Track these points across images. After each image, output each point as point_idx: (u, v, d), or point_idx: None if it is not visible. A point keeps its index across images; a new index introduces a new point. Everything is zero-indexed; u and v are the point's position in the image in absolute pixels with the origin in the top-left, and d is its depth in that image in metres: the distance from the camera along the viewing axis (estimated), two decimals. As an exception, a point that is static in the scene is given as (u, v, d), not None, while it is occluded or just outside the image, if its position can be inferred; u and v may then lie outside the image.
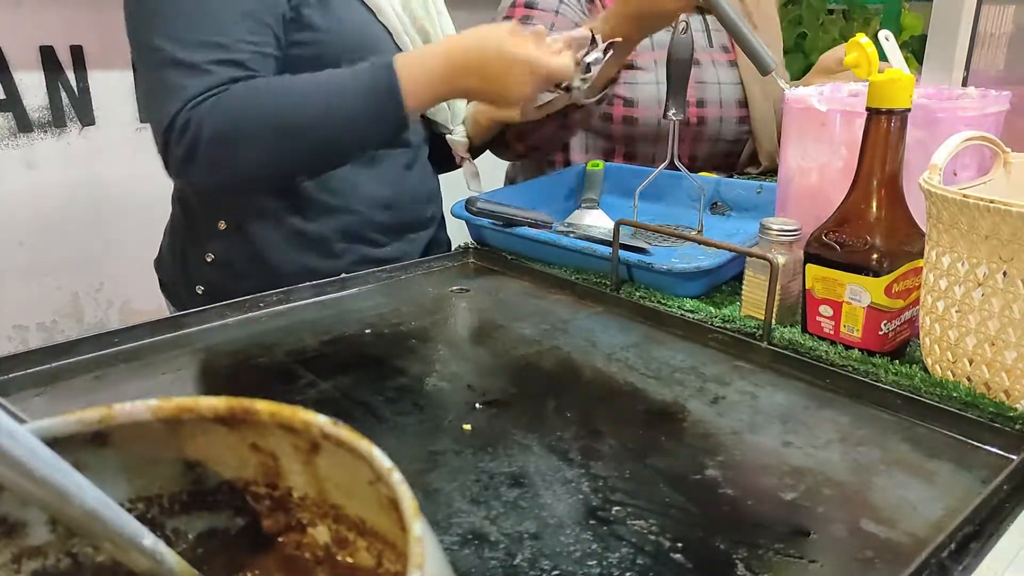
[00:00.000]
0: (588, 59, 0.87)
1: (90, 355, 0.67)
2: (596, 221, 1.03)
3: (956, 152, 0.60)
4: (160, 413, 0.26)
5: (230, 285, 0.87)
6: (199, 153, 0.78)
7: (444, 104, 1.03)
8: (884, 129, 0.61)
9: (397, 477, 0.23)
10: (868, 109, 0.61)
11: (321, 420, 0.25)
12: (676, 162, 0.95)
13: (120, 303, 1.80)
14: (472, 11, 1.34)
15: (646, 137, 1.26)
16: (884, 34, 0.96)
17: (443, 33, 1.01)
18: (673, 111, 0.91)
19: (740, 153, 1.36)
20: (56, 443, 0.23)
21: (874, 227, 0.62)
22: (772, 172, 1.40)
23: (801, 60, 2.45)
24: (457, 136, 1.06)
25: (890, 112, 0.60)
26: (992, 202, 0.51)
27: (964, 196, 0.53)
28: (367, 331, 0.74)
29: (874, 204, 0.62)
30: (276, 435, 0.26)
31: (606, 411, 0.60)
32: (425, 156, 1.05)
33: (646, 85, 1.24)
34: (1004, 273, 0.53)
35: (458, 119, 1.07)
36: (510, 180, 1.44)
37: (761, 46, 0.78)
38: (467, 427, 0.56)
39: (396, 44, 0.94)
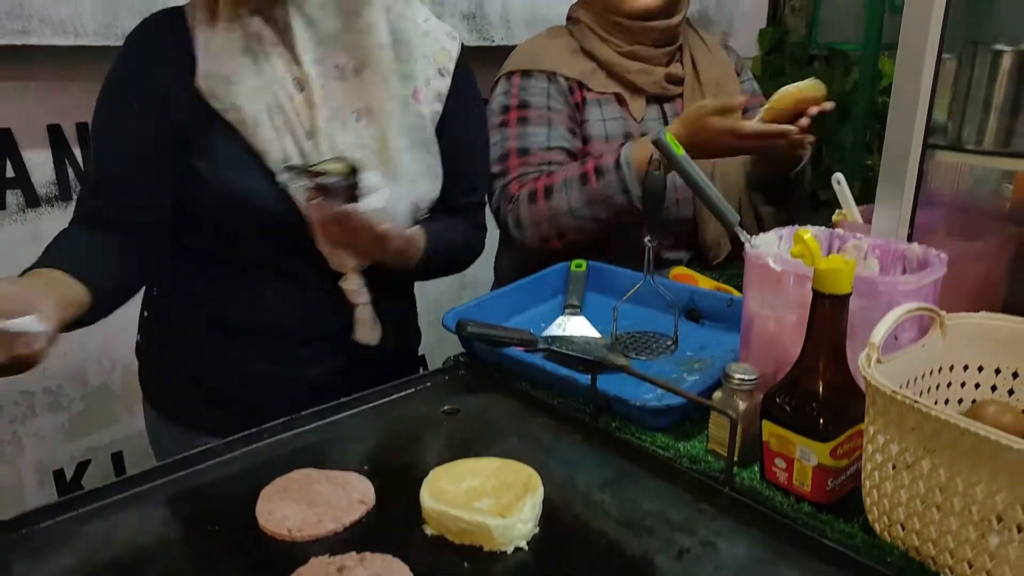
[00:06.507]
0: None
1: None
2: (579, 329, 1.09)
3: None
4: None
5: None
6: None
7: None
8: (828, 310, 0.68)
9: None
10: (814, 290, 0.68)
11: None
12: (652, 281, 1.02)
13: (121, 365, 1.87)
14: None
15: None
16: (836, 178, 1.04)
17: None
18: (648, 238, 0.98)
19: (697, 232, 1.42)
20: None
21: (820, 396, 0.69)
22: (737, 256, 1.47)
23: (784, 109, 2.53)
24: (350, 284, 1.02)
25: (833, 296, 0.67)
26: (916, 402, 0.58)
27: (893, 392, 0.60)
28: (365, 467, 0.81)
29: (820, 374, 0.69)
30: None
31: (582, 566, 0.67)
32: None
33: None
34: (928, 461, 0.60)
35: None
36: (497, 267, 1.51)
37: (724, 204, 0.85)
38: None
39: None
